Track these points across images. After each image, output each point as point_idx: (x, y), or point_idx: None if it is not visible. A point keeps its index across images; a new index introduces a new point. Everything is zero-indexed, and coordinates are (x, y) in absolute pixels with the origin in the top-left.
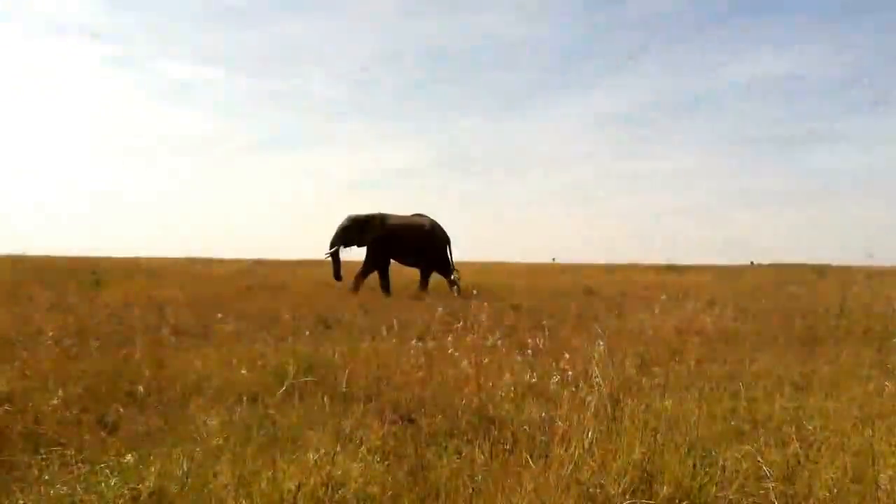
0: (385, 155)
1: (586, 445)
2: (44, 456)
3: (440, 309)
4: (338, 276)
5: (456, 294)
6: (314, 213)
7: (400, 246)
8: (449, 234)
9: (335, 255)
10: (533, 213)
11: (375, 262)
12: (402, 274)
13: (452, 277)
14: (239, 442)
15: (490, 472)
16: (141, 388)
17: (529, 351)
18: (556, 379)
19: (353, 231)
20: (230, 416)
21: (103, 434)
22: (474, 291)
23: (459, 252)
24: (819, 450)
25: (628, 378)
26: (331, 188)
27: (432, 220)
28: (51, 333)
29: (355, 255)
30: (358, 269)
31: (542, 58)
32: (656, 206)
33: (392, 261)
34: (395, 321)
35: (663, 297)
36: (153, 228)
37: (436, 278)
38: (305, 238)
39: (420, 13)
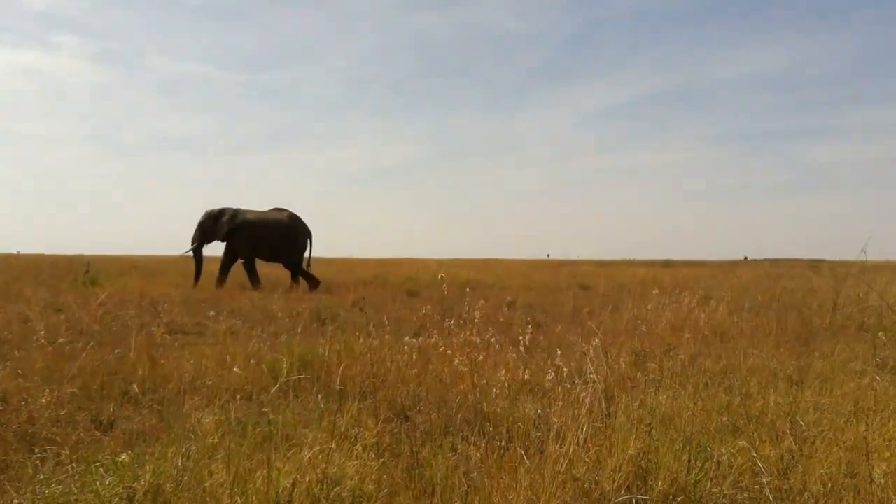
0: (379, 151)
1: (581, 441)
2: (38, 455)
3: (428, 306)
4: (198, 277)
5: (297, 288)
6: (310, 209)
7: (254, 239)
8: (310, 229)
9: (196, 253)
10: (528, 208)
11: (230, 256)
12: (398, 273)
13: (309, 272)
14: (234, 440)
15: (485, 468)
16: (135, 387)
17: (522, 348)
18: (550, 375)
19: (208, 226)
20: (225, 414)
21: (98, 433)
22: (467, 289)
23: (459, 247)
24: (813, 444)
25: (623, 374)
26: (327, 183)
27: (291, 214)
28: (44, 332)
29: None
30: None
31: (537, 52)
32: (651, 202)
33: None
34: (390, 318)
35: (655, 291)
36: (147, 226)
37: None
38: None
39: (415, 7)
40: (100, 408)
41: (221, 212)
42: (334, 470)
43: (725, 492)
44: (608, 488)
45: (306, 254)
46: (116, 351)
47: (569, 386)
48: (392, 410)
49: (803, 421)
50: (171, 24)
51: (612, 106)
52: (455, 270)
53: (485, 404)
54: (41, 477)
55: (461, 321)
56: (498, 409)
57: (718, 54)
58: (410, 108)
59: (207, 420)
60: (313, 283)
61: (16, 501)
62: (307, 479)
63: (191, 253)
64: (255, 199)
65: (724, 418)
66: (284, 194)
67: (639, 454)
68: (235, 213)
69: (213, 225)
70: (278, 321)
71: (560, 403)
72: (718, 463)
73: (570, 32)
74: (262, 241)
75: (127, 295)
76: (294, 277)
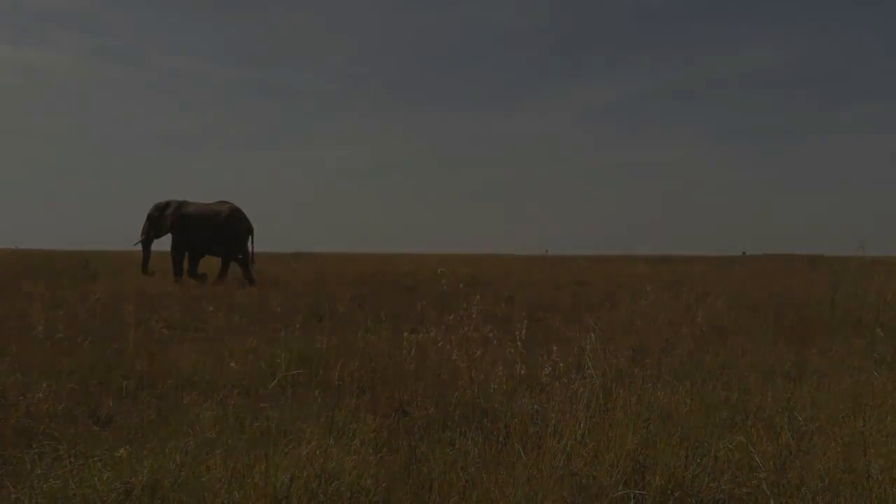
0: (377, 148)
1: (579, 437)
2: (36, 450)
3: (426, 302)
4: (145, 268)
5: (249, 285)
6: (307, 206)
7: (193, 233)
8: (252, 223)
9: (144, 245)
10: (526, 204)
11: (177, 249)
12: (396, 269)
13: (250, 268)
14: (232, 435)
15: (483, 463)
16: (133, 382)
17: (519, 343)
18: (548, 371)
19: (154, 219)
20: (223, 409)
21: (96, 428)
22: (461, 285)
23: (458, 243)
24: (811, 440)
25: (620, 369)
26: (324, 181)
27: (232, 208)
28: (42, 327)
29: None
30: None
31: (536, 49)
32: (649, 198)
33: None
34: (388, 314)
35: (648, 287)
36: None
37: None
38: (298, 230)
39: (411, 4)
40: (98, 403)
41: (167, 204)
42: (332, 465)
43: (723, 487)
44: (606, 483)
45: (250, 248)
46: (115, 346)
47: (566, 381)
48: (390, 406)
49: (801, 416)
50: (170, 21)
51: (610, 103)
52: (453, 266)
53: (483, 399)
54: (39, 472)
55: (459, 317)
56: (496, 405)
57: (717, 51)
58: (408, 105)
59: (205, 415)
60: (250, 279)
61: (14, 496)
62: (305, 474)
63: (139, 245)
64: (252, 197)
65: (722, 414)
66: (278, 189)
67: (636, 449)
68: (179, 205)
69: (158, 217)
70: (276, 317)
71: (558, 399)
72: (716, 458)
73: (570, 29)
74: (198, 232)
75: (125, 290)
76: (245, 271)
